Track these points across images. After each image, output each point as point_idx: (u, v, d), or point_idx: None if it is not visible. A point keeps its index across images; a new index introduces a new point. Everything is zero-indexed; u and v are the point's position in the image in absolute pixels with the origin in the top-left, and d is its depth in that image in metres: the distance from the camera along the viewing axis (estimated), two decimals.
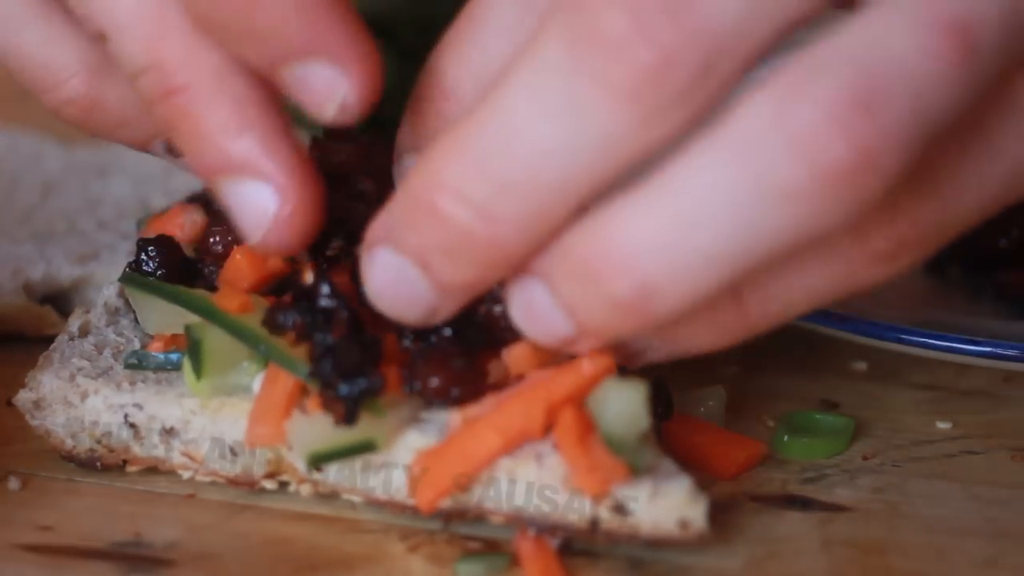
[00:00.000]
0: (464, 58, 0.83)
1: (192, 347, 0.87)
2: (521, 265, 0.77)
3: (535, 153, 0.73)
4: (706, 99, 0.71)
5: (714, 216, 0.71)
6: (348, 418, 0.82)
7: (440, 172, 0.75)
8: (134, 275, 0.92)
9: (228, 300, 0.88)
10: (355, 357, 0.82)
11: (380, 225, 0.79)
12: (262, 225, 0.84)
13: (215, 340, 0.87)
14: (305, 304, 0.85)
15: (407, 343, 0.85)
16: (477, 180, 0.74)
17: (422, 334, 0.85)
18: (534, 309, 0.78)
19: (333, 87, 0.82)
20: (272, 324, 0.85)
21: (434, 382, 0.83)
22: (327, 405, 0.83)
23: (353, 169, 0.92)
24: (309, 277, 0.87)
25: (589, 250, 0.74)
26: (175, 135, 0.85)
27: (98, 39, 0.86)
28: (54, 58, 0.91)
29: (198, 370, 0.87)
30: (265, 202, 0.84)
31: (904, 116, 0.69)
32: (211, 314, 0.88)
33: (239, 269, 0.91)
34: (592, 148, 0.72)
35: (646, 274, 0.73)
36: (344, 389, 0.82)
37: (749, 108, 0.70)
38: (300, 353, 0.85)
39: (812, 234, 0.71)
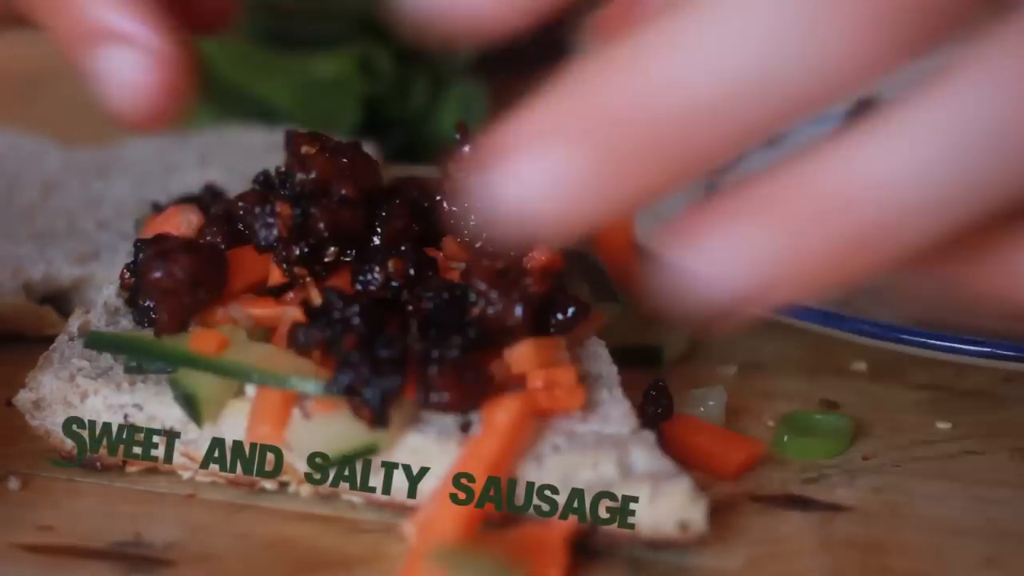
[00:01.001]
0: None
1: (186, 400, 0.87)
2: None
3: (763, 62, 0.64)
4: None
5: (969, 147, 0.64)
6: (378, 420, 0.83)
7: (654, 66, 0.65)
8: (100, 334, 0.91)
9: (204, 342, 0.87)
10: (386, 354, 0.83)
11: (538, 122, 0.66)
12: (133, 89, 0.84)
13: (206, 385, 0.87)
14: (323, 319, 0.85)
15: (414, 343, 0.85)
16: (703, 77, 0.64)
17: (427, 333, 0.85)
18: (719, 261, 0.66)
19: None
20: (296, 346, 0.86)
21: (446, 397, 0.84)
22: (355, 411, 0.83)
23: (329, 177, 0.91)
24: (315, 296, 0.87)
25: (814, 186, 0.65)
26: (40, 8, 0.85)
27: None
28: None
29: (198, 419, 0.87)
30: (135, 66, 0.84)
31: None
32: (194, 362, 0.87)
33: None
34: (830, 70, 0.64)
35: (880, 211, 0.65)
36: (370, 393, 0.82)
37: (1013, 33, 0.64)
38: (308, 370, 0.85)
39: None
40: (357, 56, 1.26)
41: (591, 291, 0.96)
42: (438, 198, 0.94)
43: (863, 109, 1.15)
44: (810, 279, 0.67)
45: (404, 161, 1.15)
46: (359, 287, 0.89)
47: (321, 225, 0.89)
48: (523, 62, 1.45)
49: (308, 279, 0.89)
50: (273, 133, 1.17)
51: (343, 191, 0.90)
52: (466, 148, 0.94)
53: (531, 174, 0.65)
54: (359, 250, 0.90)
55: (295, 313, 0.88)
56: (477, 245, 0.90)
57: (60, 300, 1.05)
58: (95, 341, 0.91)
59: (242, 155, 1.19)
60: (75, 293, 1.05)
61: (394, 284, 0.88)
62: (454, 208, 0.93)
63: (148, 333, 0.90)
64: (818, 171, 0.66)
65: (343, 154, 0.92)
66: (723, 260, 0.66)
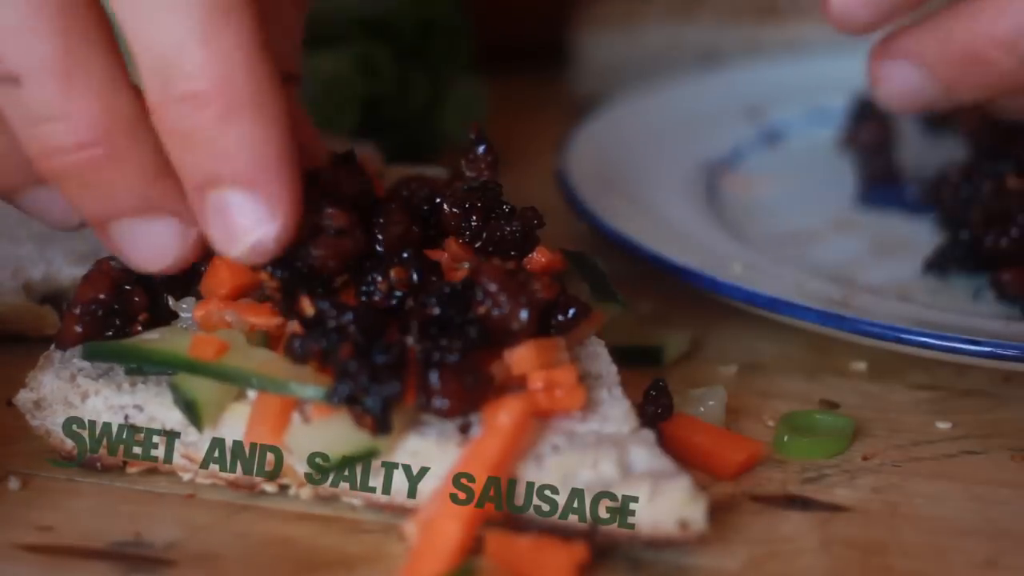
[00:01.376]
0: None
1: (186, 404, 0.87)
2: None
3: None
4: None
5: None
6: (381, 428, 0.82)
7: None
8: (97, 344, 0.90)
9: (203, 348, 0.87)
10: (384, 360, 0.83)
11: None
12: (174, 253, 0.87)
13: (205, 390, 0.87)
14: (319, 329, 0.85)
15: (414, 344, 0.85)
16: None
17: (427, 333, 0.85)
18: (898, 83, 1.03)
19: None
20: (293, 357, 0.85)
21: (447, 404, 0.83)
22: (358, 420, 0.83)
23: (315, 204, 0.89)
24: (308, 308, 0.86)
25: (969, 36, 0.98)
26: (72, 183, 0.85)
27: (6, 81, 0.83)
28: None
29: (198, 423, 0.87)
30: (172, 233, 0.87)
31: None
32: (193, 368, 0.87)
33: (219, 277, 0.91)
34: None
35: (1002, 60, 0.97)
36: (371, 401, 0.82)
37: None
38: (308, 377, 0.85)
39: None
40: (357, 56, 1.26)
41: (591, 291, 0.96)
42: (438, 200, 0.94)
43: (863, 108, 1.26)
44: (952, 90, 1.02)
45: (404, 161, 1.14)
46: (363, 299, 0.88)
47: (331, 264, 0.88)
48: (523, 62, 1.46)
49: (301, 294, 0.88)
50: None
51: (325, 221, 0.88)
52: (480, 148, 0.94)
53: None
54: (361, 261, 0.89)
55: (295, 323, 0.87)
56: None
57: (60, 300, 1.05)
58: (93, 352, 0.91)
59: None
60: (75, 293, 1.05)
61: (398, 293, 0.88)
62: (456, 209, 0.93)
63: (145, 339, 0.90)
64: (956, 27, 0.99)
65: (324, 180, 0.91)
66: (900, 84, 1.03)
